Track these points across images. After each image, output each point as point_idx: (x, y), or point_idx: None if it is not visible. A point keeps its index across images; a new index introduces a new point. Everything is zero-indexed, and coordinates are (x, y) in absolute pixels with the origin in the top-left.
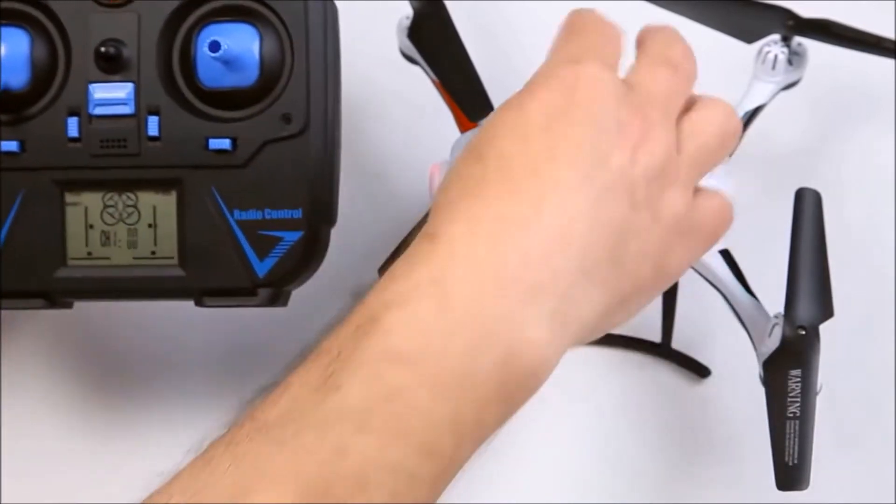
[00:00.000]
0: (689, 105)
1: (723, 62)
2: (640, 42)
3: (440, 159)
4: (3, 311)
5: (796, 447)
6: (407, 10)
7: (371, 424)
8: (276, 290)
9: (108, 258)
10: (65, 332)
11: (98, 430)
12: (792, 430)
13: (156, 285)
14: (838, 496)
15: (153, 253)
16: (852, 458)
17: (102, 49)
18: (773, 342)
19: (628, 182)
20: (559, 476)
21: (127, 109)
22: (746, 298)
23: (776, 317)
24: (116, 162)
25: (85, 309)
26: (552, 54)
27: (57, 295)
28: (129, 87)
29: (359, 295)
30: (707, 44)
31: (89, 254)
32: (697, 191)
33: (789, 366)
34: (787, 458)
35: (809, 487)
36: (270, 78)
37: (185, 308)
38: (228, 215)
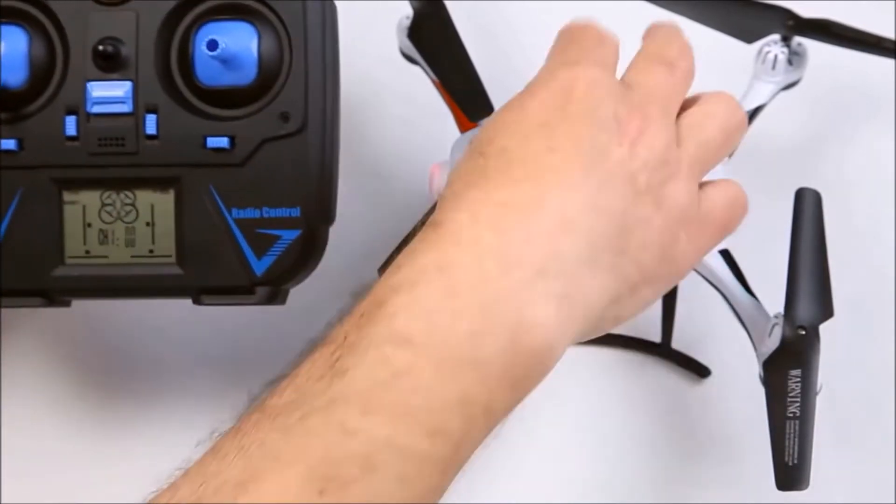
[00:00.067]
0: (691, 102)
1: (723, 62)
2: (642, 40)
3: (440, 159)
4: (3, 310)
5: (796, 447)
6: (407, 10)
7: (377, 405)
8: (274, 288)
9: (105, 256)
10: (64, 331)
11: (97, 428)
12: (792, 430)
13: (154, 284)
14: (838, 496)
15: (151, 251)
16: (852, 458)
17: (100, 47)
18: (773, 342)
19: (628, 173)
20: (559, 476)
21: (125, 108)
22: (746, 298)
23: (776, 317)
24: (114, 160)
25: (84, 308)
26: (549, 60)
27: (55, 293)
28: (128, 85)
29: (359, 295)
30: (707, 44)
31: (87, 252)
32: (706, 183)
33: (789, 366)
34: (787, 458)
35: (809, 487)
36: (269, 76)
37: (183, 307)
38: (226, 214)
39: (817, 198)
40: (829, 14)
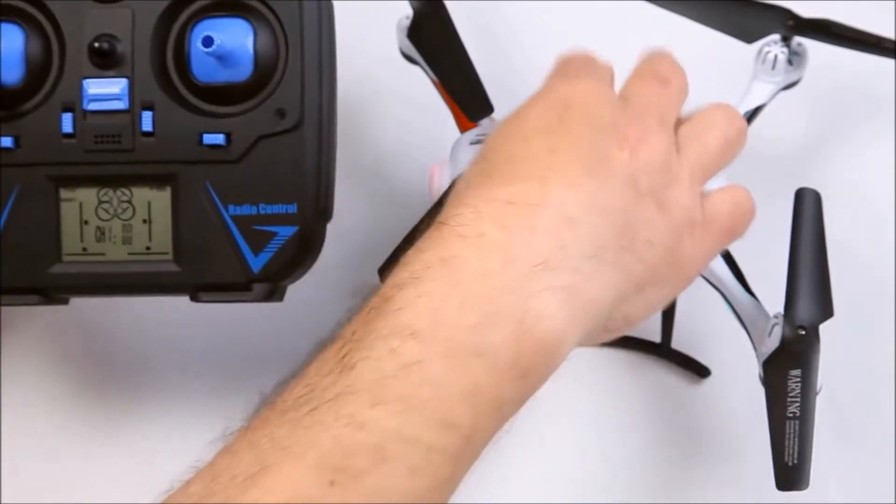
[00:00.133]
0: (688, 117)
1: (722, 62)
2: (636, 64)
3: (440, 159)
4: (2, 309)
5: (796, 447)
6: (407, 10)
7: (385, 397)
8: (271, 284)
9: (102, 254)
10: (62, 330)
11: (97, 426)
12: (792, 430)
13: (151, 281)
14: (838, 496)
15: (148, 248)
16: (852, 458)
17: (96, 44)
18: (772, 342)
19: (630, 175)
20: (558, 475)
21: (121, 105)
22: (746, 298)
23: (776, 317)
24: (111, 157)
25: (82, 306)
26: (547, 80)
27: (52, 291)
28: (123, 82)
29: (359, 294)
30: (707, 44)
31: (84, 249)
32: (711, 189)
33: (789, 366)
34: (786, 459)
35: (809, 487)
36: (265, 73)
37: (181, 304)
38: (223, 210)
39: (817, 198)
40: (829, 14)
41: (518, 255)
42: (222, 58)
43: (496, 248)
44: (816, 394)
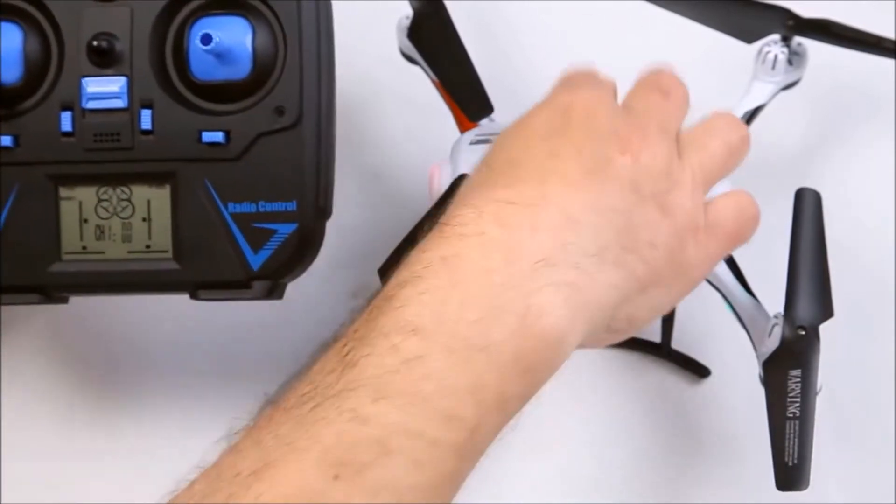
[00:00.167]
0: (691, 127)
1: (722, 62)
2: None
3: (440, 159)
4: (2, 308)
5: (796, 447)
6: (407, 10)
7: (388, 392)
8: (270, 282)
9: (102, 252)
10: (63, 329)
11: (98, 426)
12: (792, 431)
13: (151, 279)
14: (838, 496)
15: (148, 247)
16: (852, 458)
17: (95, 43)
18: (772, 342)
19: (631, 179)
20: (558, 475)
21: (120, 103)
22: (746, 298)
23: (776, 317)
24: (110, 156)
25: (83, 305)
26: (550, 92)
27: (52, 289)
28: (122, 80)
29: (358, 294)
30: (707, 43)
31: (84, 248)
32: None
33: (789, 366)
34: (786, 459)
35: (809, 487)
36: (263, 71)
37: (183, 304)
38: (222, 208)
39: (817, 198)
40: (829, 14)
41: (519, 253)
42: (221, 55)
43: (497, 246)
44: (816, 394)
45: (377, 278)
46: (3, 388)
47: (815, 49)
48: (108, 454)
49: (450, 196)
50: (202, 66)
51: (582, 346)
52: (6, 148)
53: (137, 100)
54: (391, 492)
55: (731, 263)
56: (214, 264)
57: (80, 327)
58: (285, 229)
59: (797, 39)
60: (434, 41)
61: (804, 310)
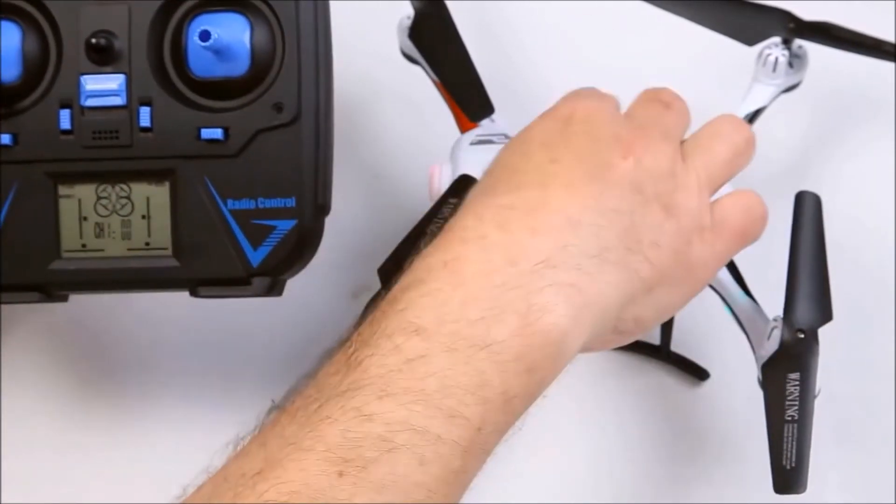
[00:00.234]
0: (695, 132)
1: (723, 63)
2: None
3: (440, 159)
4: (2, 307)
5: (794, 451)
6: (408, 10)
7: (392, 390)
8: (270, 279)
9: (102, 250)
10: (63, 327)
11: (98, 425)
12: (790, 434)
13: (150, 276)
14: (838, 496)
15: (147, 244)
16: (852, 458)
17: (93, 41)
18: (771, 345)
19: (633, 181)
20: (556, 476)
21: (119, 101)
22: (745, 301)
23: (775, 320)
24: (109, 153)
25: (83, 303)
26: (552, 105)
27: (52, 288)
28: (121, 78)
29: (359, 295)
30: (706, 44)
31: (83, 246)
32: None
33: (788, 369)
34: (784, 462)
35: (810, 487)
36: (261, 67)
37: (183, 302)
38: (222, 205)
39: (817, 201)
40: (828, 15)
41: (520, 255)
42: (219, 52)
43: (498, 248)
44: (815, 397)
45: (377, 278)
46: (3, 386)
47: (814, 51)
48: (109, 452)
49: (450, 196)
50: (200, 63)
51: (589, 348)
52: (5, 146)
53: (136, 97)
54: (396, 489)
55: (731, 266)
56: (214, 261)
57: (80, 326)
58: (284, 225)
59: (798, 42)
60: (435, 41)
61: (803, 313)
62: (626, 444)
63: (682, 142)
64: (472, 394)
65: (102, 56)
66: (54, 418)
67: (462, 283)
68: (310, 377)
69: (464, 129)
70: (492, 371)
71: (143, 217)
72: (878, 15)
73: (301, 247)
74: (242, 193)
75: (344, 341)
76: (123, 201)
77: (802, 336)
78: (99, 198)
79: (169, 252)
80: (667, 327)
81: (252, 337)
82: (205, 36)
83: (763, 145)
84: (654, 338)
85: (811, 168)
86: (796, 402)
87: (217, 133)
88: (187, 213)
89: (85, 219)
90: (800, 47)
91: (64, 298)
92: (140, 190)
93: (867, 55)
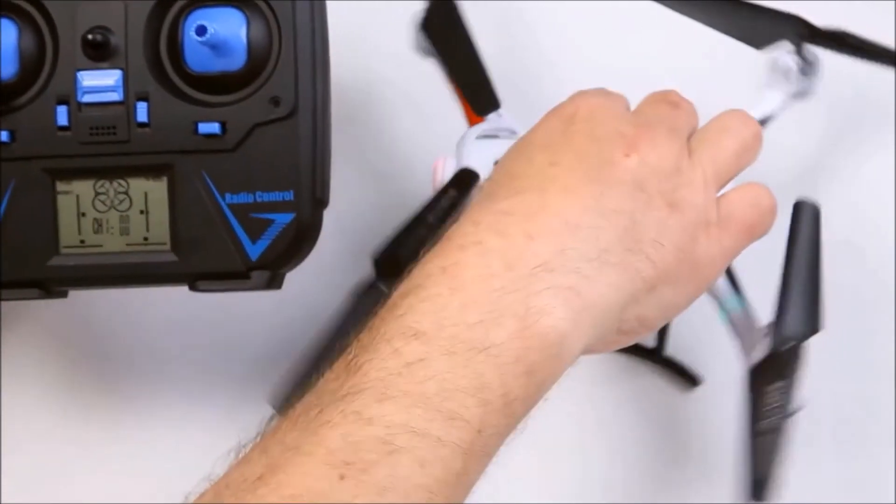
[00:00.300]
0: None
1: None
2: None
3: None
4: (2, 303)
5: (767, 459)
6: (420, 6)
7: (392, 393)
8: (269, 272)
9: (100, 246)
10: (63, 324)
11: (98, 421)
12: (765, 442)
13: (149, 271)
14: (838, 496)
15: (146, 239)
16: (852, 457)
17: (90, 37)
18: (759, 353)
19: (636, 179)
20: (545, 474)
21: (115, 96)
22: (738, 307)
23: (767, 327)
24: (106, 149)
25: (83, 300)
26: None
27: (51, 284)
28: (118, 73)
29: (356, 292)
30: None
31: (82, 242)
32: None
33: (772, 378)
34: (755, 470)
35: (811, 488)
36: (258, 61)
37: (183, 298)
38: (220, 199)
39: (815, 211)
40: (828, 15)
41: (517, 259)
42: (216, 47)
43: (495, 253)
44: (796, 411)
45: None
46: (4, 383)
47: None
48: (109, 447)
49: (450, 187)
50: (197, 57)
51: (592, 350)
52: (2, 143)
53: (133, 93)
54: (398, 491)
55: (727, 271)
56: (213, 255)
57: (80, 322)
58: (283, 219)
59: (811, 49)
60: (445, 34)
61: (793, 323)
62: (612, 444)
63: (689, 138)
64: (471, 396)
65: (99, 52)
66: (54, 414)
67: (460, 287)
68: (314, 384)
69: (471, 122)
70: (491, 373)
71: (142, 212)
72: (878, 15)
73: (299, 240)
74: (240, 187)
75: (346, 349)
76: (121, 197)
77: (790, 346)
78: (97, 193)
79: (167, 247)
80: (662, 331)
81: (252, 329)
82: (201, 31)
83: (774, 152)
84: (650, 340)
85: (818, 174)
86: (776, 412)
87: (214, 127)
88: (185, 208)
89: (83, 214)
90: (813, 55)
91: (63, 294)
92: (138, 185)
93: (881, 64)
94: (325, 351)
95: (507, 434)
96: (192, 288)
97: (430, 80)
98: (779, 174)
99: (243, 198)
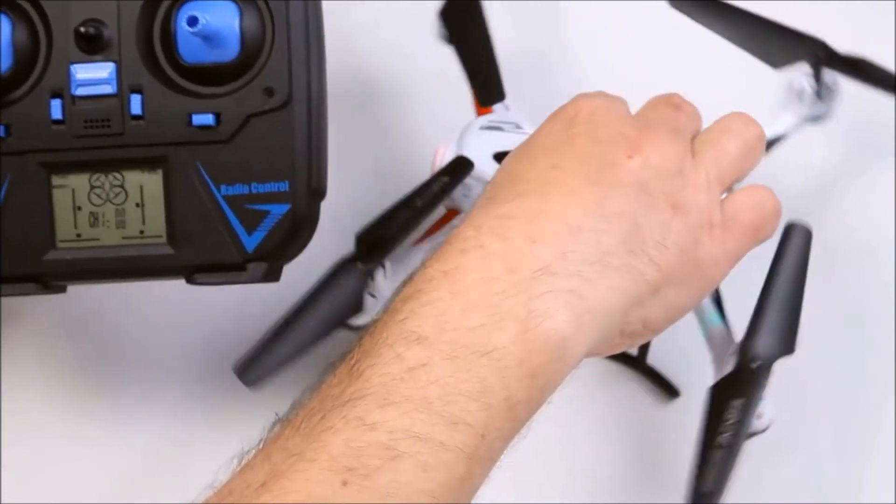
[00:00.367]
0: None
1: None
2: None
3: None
4: (1, 299)
5: (716, 475)
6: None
7: (394, 398)
8: (266, 264)
9: (97, 239)
10: (63, 320)
11: (99, 418)
12: (716, 458)
13: (146, 264)
14: (839, 496)
15: (142, 232)
16: (852, 458)
17: (82, 29)
18: (726, 369)
19: (639, 180)
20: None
21: (109, 89)
22: (717, 321)
23: (738, 344)
24: (101, 142)
25: (83, 295)
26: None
27: (48, 278)
28: (111, 66)
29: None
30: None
31: (78, 235)
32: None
33: (732, 394)
34: (702, 484)
35: (811, 488)
36: (251, 52)
37: (181, 292)
38: (215, 191)
39: (807, 234)
40: (828, 14)
41: (518, 263)
42: (209, 38)
43: (496, 257)
44: (756, 432)
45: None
46: (4, 378)
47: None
48: (108, 443)
49: (442, 174)
50: (190, 49)
51: (596, 352)
52: None
53: (126, 85)
54: (401, 496)
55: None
56: (209, 247)
57: (79, 318)
58: (279, 210)
59: (831, 74)
60: (461, 22)
61: (762, 343)
62: (587, 449)
63: (692, 140)
64: (474, 400)
65: (92, 45)
66: (54, 408)
67: (462, 291)
68: (313, 390)
69: (479, 112)
70: (493, 377)
71: (137, 205)
72: (878, 15)
73: (296, 231)
74: (235, 179)
75: (346, 353)
76: (117, 190)
77: (756, 365)
78: (92, 187)
79: (164, 239)
80: None
81: (251, 325)
82: (192, 21)
83: (785, 171)
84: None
85: (810, 182)
86: (731, 429)
87: (208, 119)
88: (181, 200)
89: (79, 208)
90: (832, 80)
91: (62, 289)
92: (133, 178)
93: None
94: (292, 322)
95: (512, 438)
96: (189, 281)
97: (432, 73)
98: (789, 189)
99: (238, 189)
